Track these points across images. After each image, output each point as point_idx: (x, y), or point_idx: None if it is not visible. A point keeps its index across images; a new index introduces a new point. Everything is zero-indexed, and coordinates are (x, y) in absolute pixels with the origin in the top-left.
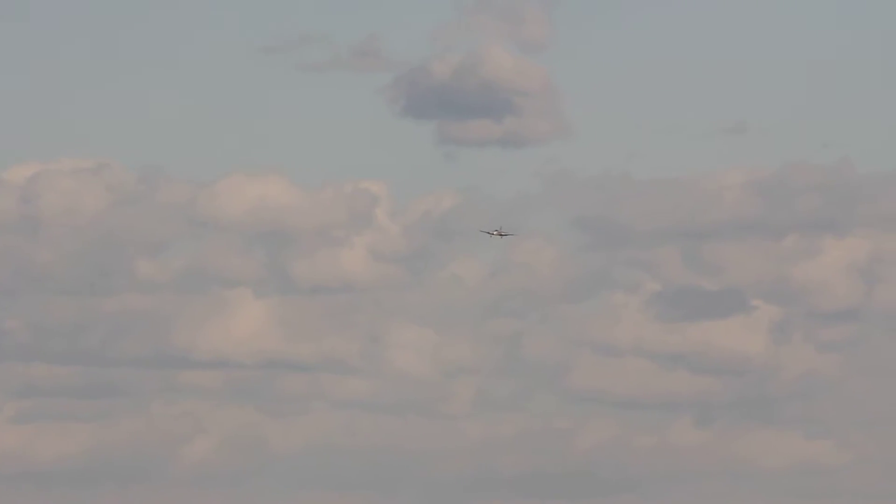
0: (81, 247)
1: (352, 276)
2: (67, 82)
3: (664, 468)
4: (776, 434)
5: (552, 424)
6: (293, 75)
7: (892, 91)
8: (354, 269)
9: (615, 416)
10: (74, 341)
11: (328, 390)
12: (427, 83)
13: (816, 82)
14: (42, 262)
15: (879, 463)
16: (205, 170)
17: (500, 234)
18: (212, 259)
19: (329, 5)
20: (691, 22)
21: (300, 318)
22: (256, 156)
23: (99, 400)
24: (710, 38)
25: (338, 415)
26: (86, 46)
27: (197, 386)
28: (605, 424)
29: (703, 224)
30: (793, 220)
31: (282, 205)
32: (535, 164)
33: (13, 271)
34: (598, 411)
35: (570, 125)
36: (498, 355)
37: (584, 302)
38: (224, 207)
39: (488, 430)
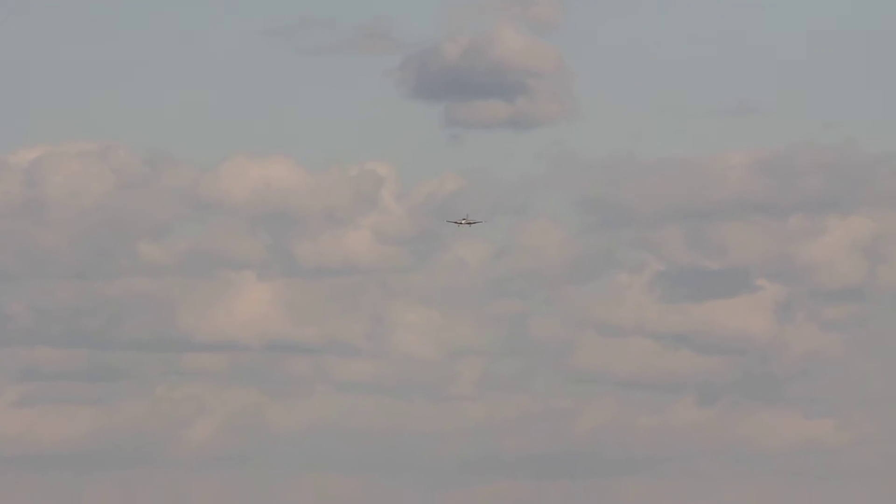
0: (86, 230)
1: (356, 258)
2: (73, 66)
3: (667, 448)
4: (779, 414)
5: (556, 405)
6: (300, 57)
7: (894, 70)
8: (359, 251)
9: (618, 396)
10: (78, 324)
11: (332, 372)
12: (437, 64)
13: (820, 63)
14: (46, 244)
15: (881, 442)
16: (210, 152)
17: (468, 223)
18: (216, 241)
19: None
20: (700, 4)
21: (304, 301)
22: (262, 138)
23: (102, 383)
24: (718, 21)
25: (342, 397)
26: (91, 31)
27: (201, 368)
28: (609, 405)
29: (707, 204)
30: (797, 200)
31: (287, 187)
32: (541, 145)
33: (18, 254)
34: (601, 391)
35: (579, 106)
36: (502, 336)
37: (588, 282)
38: (229, 190)
39: (492, 411)
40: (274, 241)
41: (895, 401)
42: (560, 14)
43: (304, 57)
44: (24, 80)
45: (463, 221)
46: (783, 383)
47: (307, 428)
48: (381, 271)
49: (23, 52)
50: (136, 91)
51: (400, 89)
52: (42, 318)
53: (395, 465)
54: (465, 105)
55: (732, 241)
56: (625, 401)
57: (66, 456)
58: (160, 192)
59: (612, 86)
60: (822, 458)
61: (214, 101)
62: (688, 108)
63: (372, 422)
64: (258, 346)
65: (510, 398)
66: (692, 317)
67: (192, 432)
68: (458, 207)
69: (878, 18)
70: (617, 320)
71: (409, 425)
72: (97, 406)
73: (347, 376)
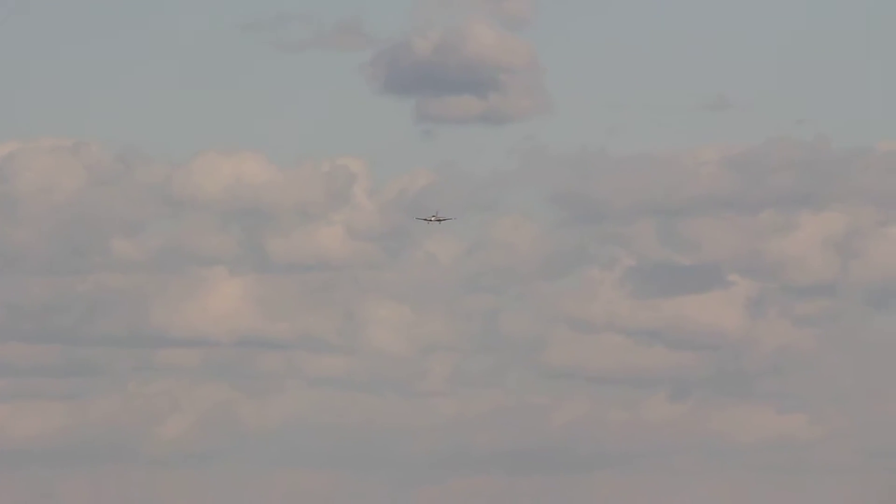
0: (58, 226)
1: (328, 254)
2: (45, 62)
3: (640, 443)
4: (751, 409)
5: (528, 400)
6: (271, 53)
7: (867, 67)
8: (331, 247)
9: (591, 391)
10: (50, 320)
11: (304, 368)
12: (408, 60)
13: (793, 60)
14: (18, 241)
15: (852, 437)
16: (183, 149)
17: (438, 220)
18: (188, 238)
19: None
20: None
21: (276, 296)
22: (233, 134)
23: (75, 379)
24: (691, 16)
25: (314, 392)
26: (64, 26)
27: (173, 364)
28: (581, 400)
29: (679, 200)
30: (769, 196)
31: (258, 183)
32: (513, 140)
33: None
34: (573, 387)
35: (551, 102)
36: (474, 332)
37: (561, 278)
38: (201, 186)
39: (464, 407)
40: (246, 237)
41: (867, 396)
42: (532, 9)
43: (274, 53)
44: None
45: (433, 218)
46: (755, 379)
47: (279, 424)
48: (353, 267)
49: None
50: (107, 87)
51: (371, 85)
52: (14, 313)
53: (368, 460)
54: (436, 100)
55: (705, 236)
56: (597, 396)
57: (38, 452)
58: (132, 188)
59: (585, 81)
60: (794, 452)
61: (186, 97)
62: (660, 104)
63: (344, 417)
64: (230, 341)
65: (482, 394)
66: (664, 312)
67: (165, 428)
68: (430, 203)
69: (852, 17)
70: (589, 316)
71: (381, 421)
72: (70, 402)
73: (319, 372)
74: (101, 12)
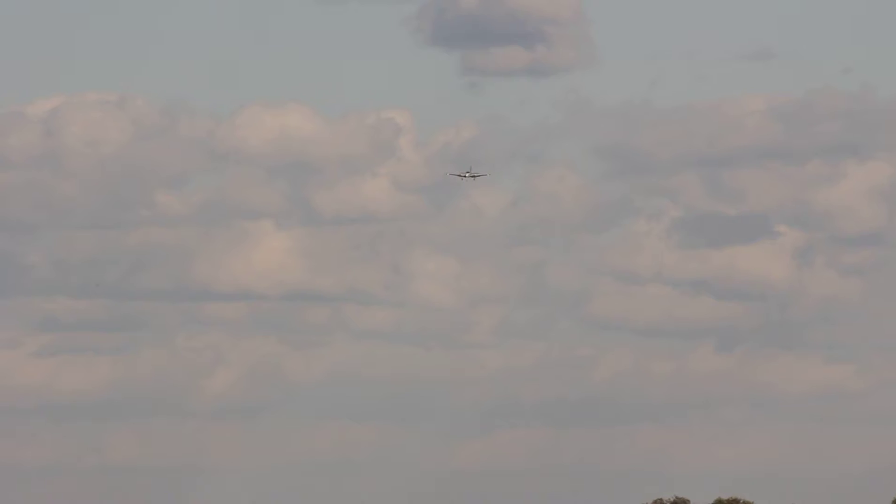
0: (104, 180)
1: (375, 207)
2: (91, 17)
3: (686, 395)
4: (797, 359)
5: (573, 352)
6: (317, 6)
7: None
8: (377, 200)
9: (636, 343)
10: (97, 275)
11: (350, 321)
12: (454, 12)
13: (838, 9)
14: (65, 195)
15: None
16: (228, 102)
17: (472, 176)
18: (234, 191)
19: None
20: None
21: (322, 249)
22: (279, 87)
23: (121, 333)
24: None
25: (360, 345)
26: None
27: (219, 318)
28: (626, 352)
29: (724, 150)
30: (815, 146)
31: (304, 136)
32: (558, 92)
33: (36, 204)
34: (619, 339)
35: (596, 54)
36: (520, 284)
37: (606, 230)
38: (246, 139)
39: (510, 359)
40: (292, 190)
41: None
42: None
43: (321, 5)
44: (42, 31)
45: (467, 174)
46: (803, 329)
47: (326, 377)
48: (399, 220)
49: (41, 3)
50: (153, 41)
51: (417, 38)
52: (61, 268)
53: (414, 412)
54: (482, 53)
55: (751, 187)
56: (643, 348)
57: (85, 405)
58: (178, 142)
59: (630, 33)
60: (842, 402)
61: (231, 51)
62: (705, 55)
63: (390, 370)
64: (277, 295)
65: (528, 346)
66: (711, 263)
67: (211, 381)
68: (475, 155)
69: None
70: (635, 267)
71: (428, 373)
72: (116, 356)
73: (366, 325)
74: None
